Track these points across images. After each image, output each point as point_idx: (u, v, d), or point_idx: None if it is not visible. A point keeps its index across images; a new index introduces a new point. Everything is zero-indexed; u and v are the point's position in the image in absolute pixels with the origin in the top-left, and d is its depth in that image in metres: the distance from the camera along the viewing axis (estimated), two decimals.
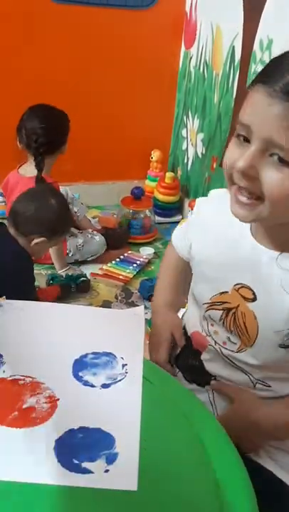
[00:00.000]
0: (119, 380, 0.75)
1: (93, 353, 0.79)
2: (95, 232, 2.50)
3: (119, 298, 2.18)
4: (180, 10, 2.72)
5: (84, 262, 2.42)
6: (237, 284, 0.84)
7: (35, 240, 1.71)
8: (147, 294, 2.16)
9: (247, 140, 0.71)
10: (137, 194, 2.67)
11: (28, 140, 2.16)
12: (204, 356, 0.92)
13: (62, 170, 2.75)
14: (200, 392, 0.94)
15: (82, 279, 2.20)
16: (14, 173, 2.32)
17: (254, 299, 0.82)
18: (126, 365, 0.78)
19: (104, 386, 0.74)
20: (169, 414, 0.72)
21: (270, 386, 0.86)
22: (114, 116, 2.82)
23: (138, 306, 2.11)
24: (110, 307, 2.11)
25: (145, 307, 2.11)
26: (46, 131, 2.14)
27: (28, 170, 2.24)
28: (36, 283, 1.94)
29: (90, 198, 2.93)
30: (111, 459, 0.63)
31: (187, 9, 2.71)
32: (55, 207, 1.74)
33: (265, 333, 0.82)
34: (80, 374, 0.76)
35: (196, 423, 0.70)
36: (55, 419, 0.68)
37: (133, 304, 2.15)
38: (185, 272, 1.04)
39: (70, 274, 2.22)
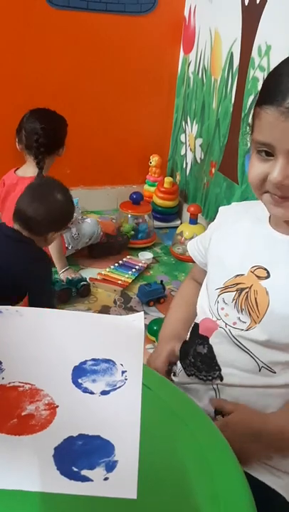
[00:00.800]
0: (119, 387, 0.75)
1: (93, 360, 0.79)
2: (84, 217, 2.52)
3: (118, 303, 2.19)
4: (179, 15, 2.74)
5: (84, 266, 2.43)
6: (253, 266, 0.91)
7: (52, 236, 1.73)
8: (146, 299, 2.16)
9: (269, 153, 0.79)
10: (136, 199, 2.68)
11: (28, 140, 2.21)
12: (212, 340, 0.93)
13: (61, 174, 2.75)
14: (204, 392, 0.94)
15: (83, 283, 2.20)
16: (11, 174, 2.33)
17: (267, 277, 0.88)
18: (125, 371, 0.77)
19: (104, 393, 0.74)
20: (168, 421, 0.71)
21: (274, 372, 0.87)
22: (113, 122, 2.83)
23: (137, 311, 2.13)
24: (109, 312, 2.11)
25: (144, 312, 2.12)
26: (46, 132, 2.20)
27: (28, 171, 2.27)
28: None
29: (88, 203, 2.94)
30: (110, 467, 0.62)
31: (186, 15, 2.73)
32: (63, 201, 1.74)
33: (275, 307, 0.86)
34: (80, 381, 0.75)
35: (196, 430, 0.70)
36: (54, 427, 0.68)
37: (132, 309, 2.15)
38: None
39: (70, 278, 2.22)
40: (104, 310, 2.13)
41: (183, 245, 2.54)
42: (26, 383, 0.74)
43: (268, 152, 0.79)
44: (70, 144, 2.59)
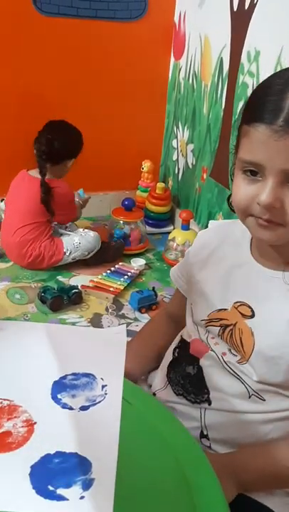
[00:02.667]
0: (99, 402, 0.74)
1: (73, 374, 0.78)
2: (87, 230, 2.54)
3: (110, 310, 2.18)
4: (169, 21, 2.74)
5: (76, 273, 2.42)
6: (237, 302, 0.87)
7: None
8: (137, 305, 2.15)
9: (254, 173, 0.75)
10: (128, 205, 2.67)
11: (37, 149, 2.36)
12: (203, 362, 0.92)
13: None
14: (189, 414, 0.92)
15: (75, 291, 2.19)
16: (23, 172, 2.46)
17: (252, 316, 0.85)
18: (106, 386, 0.77)
19: (83, 408, 0.73)
20: (148, 437, 0.71)
21: (264, 400, 0.86)
22: (105, 128, 2.83)
23: (129, 318, 2.12)
24: (101, 319, 2.10)
25: (136, 319, 2.11)
26: (50, 142, 2.33)
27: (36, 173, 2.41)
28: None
29: None
30: (87, 485, 0.61)
31: (176, 21, 2.73)
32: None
33: (261, 348, 0.83)
34: (59, 396, 0.74)
35: (176, 446, 0.69)
36: (31, 444, 0.67)
37: (124, 316, 2.14)
38: (156, 344, 1.08)
39: (62, 286, 2.21)
40: (96, 317, 2.12)
41: (175, 251, 2.53)
42: (5, 399, 0.73)
43: (253, 172, 0.75)
44: None
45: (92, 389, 0.76)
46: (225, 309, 0.89)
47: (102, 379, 0.78)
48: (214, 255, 0.95)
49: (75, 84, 2.68)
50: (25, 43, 2.52)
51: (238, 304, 0.87)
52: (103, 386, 0.77)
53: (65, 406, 0.73)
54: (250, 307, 0.86)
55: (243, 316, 0.86)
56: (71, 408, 0.73)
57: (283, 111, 0.70)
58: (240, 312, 0.87)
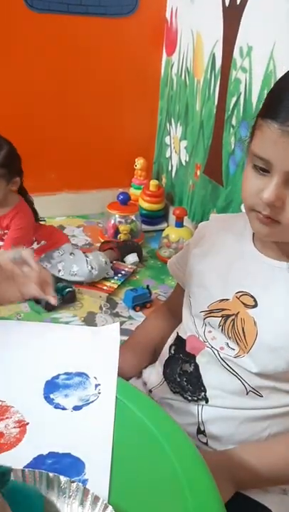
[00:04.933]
0: (92, 402, 0.73)
1: (65, 374, 0.77)
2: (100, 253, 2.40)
3: (104, 309, 2.16)
4: (160, 17, 2.72)
5: None
6: (239, 292, 0.87)
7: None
8: (131, 304, 2.14)
9: (265, 169, 0.75)
10: (123, 199, 2.65)
11: None
12: (199, 359, 0.91)
13: (45, 179, 2.75)
14: (186, 410, 0.91)
15: (68, 289, 2.18)
16: None
17: (255, 306, 0.85)
18: (99, 385, 0.75)
19: (76, 408, 0.71)
20: (142, 437, 0.69)
21: (261, 396, 0.85)
22: (97, 125, 2.81)
23: (123, 316, 2.11)
24: (95, 318, 2.09)
25: (130, 317, 2.10)
26: None
27: None
28: None
29: (73, 208, 2.92)
30: None
31: (168, 16, 2.71)
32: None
33: (264, 338, 0.83)
34: (52, 396, 0.73)
35: (171, 446, 0.67)
36: (24, 445, 0.66)
37: (118, 315, 2.13)
38: (153, 340, 1.08)
39: (55, 285, 2.19)
40: (90, 316, 2.11)
41: (169, 249, 2.52)
42: None
43: (262, 167, 0.75)
44: (54, 149, 2.57)
45: (86, 388, 0.75)
46: (226, 299, 0.88)
47: (95, 378, 0.76)
48: (215, 246, 0.95)
49: (67, 81, 2.66)
50: (16, 40, 2.49)
51: (240, 293, 0.86)
52: (96, 385, 0.75)
53: (57, 406, 0.72)
54: (252, 297, 0.85)
55: (246, 305, 0.85)
56: (64, 408, 0.71)
57: None
58: (242, 302, 0.86)
